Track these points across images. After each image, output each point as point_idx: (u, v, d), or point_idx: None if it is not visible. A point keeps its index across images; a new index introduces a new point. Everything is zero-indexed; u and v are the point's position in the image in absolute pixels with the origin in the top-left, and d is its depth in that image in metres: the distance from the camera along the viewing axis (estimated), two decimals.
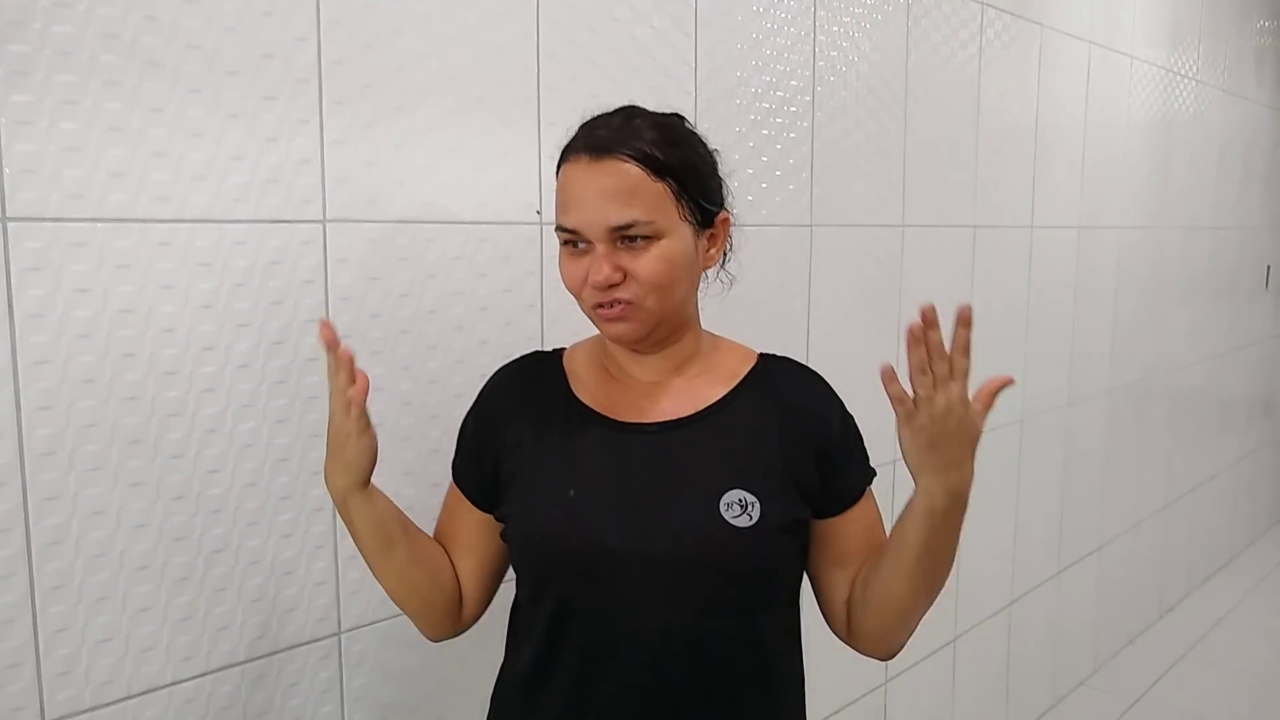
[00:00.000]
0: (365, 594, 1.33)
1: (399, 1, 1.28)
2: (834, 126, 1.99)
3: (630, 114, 1.05)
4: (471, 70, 1.36)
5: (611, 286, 0.99)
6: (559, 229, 1.03)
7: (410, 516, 1.36)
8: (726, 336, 1.17)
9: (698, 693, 1.02)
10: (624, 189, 0.98)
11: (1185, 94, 3.57)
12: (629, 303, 1.00)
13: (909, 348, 0.92)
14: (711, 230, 1.07)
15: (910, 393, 0.93)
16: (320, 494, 1.27)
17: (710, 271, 1.13)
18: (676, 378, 1.10)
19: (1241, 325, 4.32)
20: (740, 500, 1.00)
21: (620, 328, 1.02)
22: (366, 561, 1.10)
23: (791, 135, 1.89)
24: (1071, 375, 3.00)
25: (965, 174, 2.42)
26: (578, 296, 1.04)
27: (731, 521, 0.99)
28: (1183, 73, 3.52)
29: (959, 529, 0.99)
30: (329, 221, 1.24)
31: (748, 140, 1.80)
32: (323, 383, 1.24)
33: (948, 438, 0.93)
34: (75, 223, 1.04)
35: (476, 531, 1.14)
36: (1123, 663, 3.43)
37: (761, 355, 1.14)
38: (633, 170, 0.99)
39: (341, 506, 1.07)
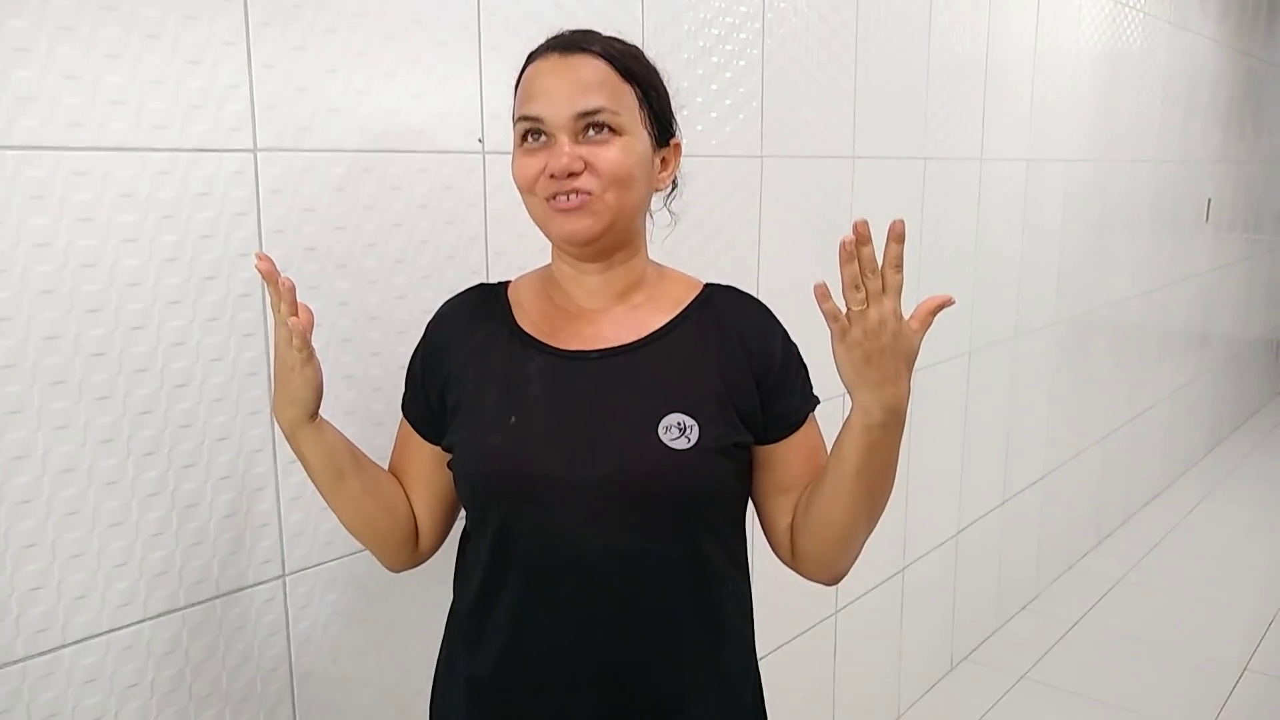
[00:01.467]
0: (310, 535, 1.30)
1: None
2: (783, 53, 1.95)
3: (593, 32, 1.06)
4: None
5: (571, 176, 0.98)
6: (520, 119, 1.02)
7: None
8: (673, 268, 1.15)
9: (638, 613, 1.03)
10: (593, 81, 0.99)
11: (1133, 26, 3.57)
12: (588, 194, 0.99)
13: (841, 263, 0.91)
14: (664, 153, 1.08)
15: (844, 309, 0.93)
16: (259, 434, 1.23)
17: (656, 202, 1.13)
18: (620, 305, 1.09)
19: (1183, 258, 4.39)
20: (679, 424, 1.00)
21: (576, 221, 1.00)
22: (321, 493, 1.10)
23: (741, 63, 1.85)
24: (1019, 308, 3.03)
25: (916, 106, 2.40)
26: (529, 193, 1.03)
27: (669, 444, 0.99)
28: (1131, 4, 3.52)
29: (896, 447, 1.00)
30: (260, 150, 1.18)
31: (696, 68, 1.75)
32: (257, 319, 1.20)
33: (882, 353, 0.93)
34: None
35: (427, 463, 1.14)
36: (1063, 587, 3.53)
37: (707, 285, 1.13)
38: (602, 66, 1.01)
39: (291, 439, 1.06)
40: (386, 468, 1.17)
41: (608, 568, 1.01)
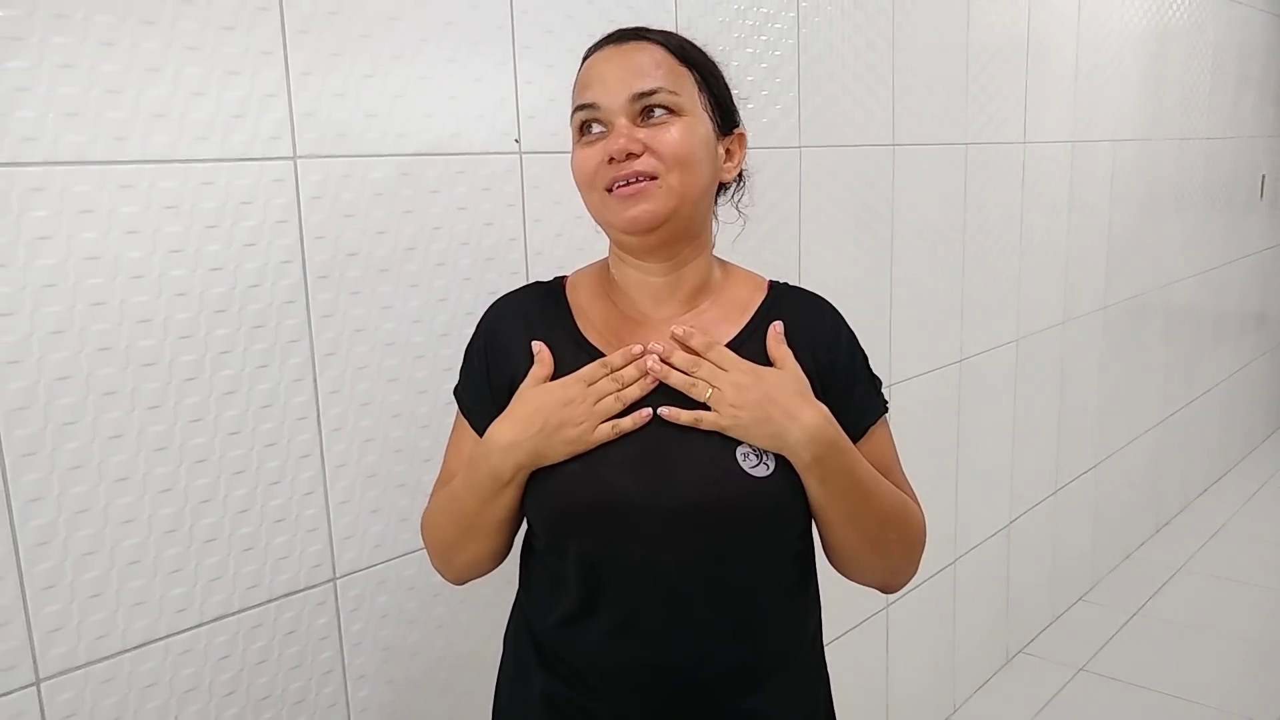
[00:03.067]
0: (359, 539, 1.31)
1: None
2: (819, 42, 1.93)
3: (646, 28, 1.04)
4: None
5: (630, 158, 0.95)
6: (576, 110, 1.00)
7: (400, 458, 1.34)
8: (736, 264, 1.13)
9: (719, 635, 1.00)
10: (650, 63, 0.98)
11: (1180, 0, 3.48)
12: (650, 176, 0.96)
13: (665, 380, 0.97)
14: (729, 143, 1.05)
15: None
16: (306, 439, 1.24)
17: (725, 197, 1.11)
18: (687, 313, 1.05)
19: (1237, 237, 4.28)
20: (757, 449, 0.96)
21: (639, 207, 0.96)
22: (460, 527, 1.04)
23: (776, 53, 1.83)
24: (1066, 293, 2.97)
25: (956, 90, 2.36)
26: (589, 186, 0.99)
27: (750, 471, 0.96)
28: None
29: (849, 468, 0.98)
30: (299, 158, 1.19)
31: (731, 59, 1.74)
32: (301, 325, 1.21)
33: (764, 405, 0.95)
34: (30, 167, 1.00)
35: None
36: (1121, 577, 3.46)
37: (772, 285, 1.10)
38: (658, 51, 0.99)
39: (502, 480, 0.99)
40: (440, 472, 1.13)
41: (689, 593, 0.98)
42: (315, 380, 1.24)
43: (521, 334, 1.05)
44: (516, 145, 1.41)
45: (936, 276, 2.37)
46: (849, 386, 1.06)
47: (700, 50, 1.04)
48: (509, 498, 1.00)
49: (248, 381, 1.18)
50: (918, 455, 2.32)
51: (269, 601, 1.23)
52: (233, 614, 1.20)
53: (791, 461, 0.96)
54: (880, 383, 1.10)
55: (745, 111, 1.80)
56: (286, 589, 1.25)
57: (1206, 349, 4.12)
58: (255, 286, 1.17)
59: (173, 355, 1.11)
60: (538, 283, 1.13)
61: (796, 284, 1.13)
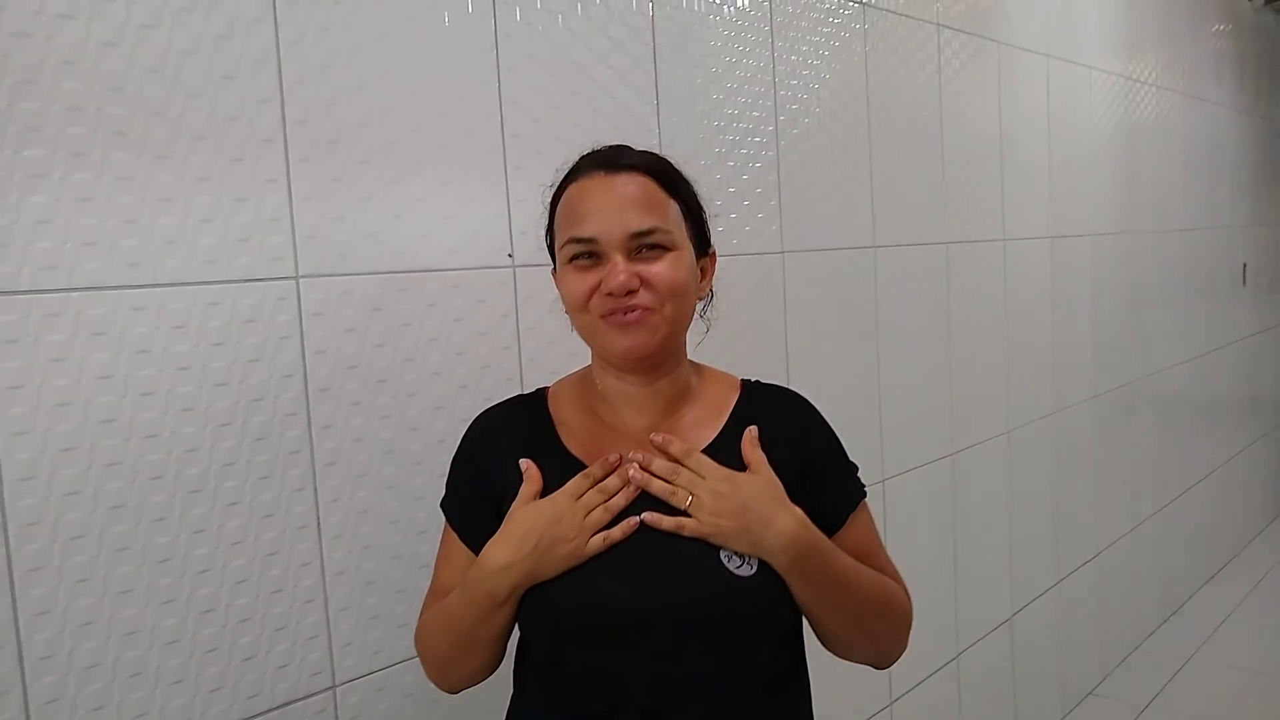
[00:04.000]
0: (358, 645, 1.33)
1: (359, 59, 1.30)
2: (798, 153, 2.02)
3: (627, 147, 1.10)
4: (435, 120, 1.38)
5: (629, 294, 1.00)
6: (571, 241, 1.03)
7: (399, 564, 1.37)
8: (708, 365, 1.18)
9: None
10: (643, 198, 1.03)
11: (1146, 100, 3.63)
12: (647, 309, 1.01)
13: (642, 487, 1.02)
14: (703, 263, 1.11)
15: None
16: (307, 548, 1.27)
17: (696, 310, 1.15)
18: (667, 420, 1.09)
19: (1222, 323, 4.35)
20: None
21: (635, 335, 1.02)
22: (456, 643, 1.07)
23: (757, 165, 1.92)
24: (1055, 384, 3.02)
25: (933, 192, 2.46)
26: (581, 311, 1.04)
27: (735, 572, 0.99)
28: (1143, 79, 3.59)
29: (827, 568, 1.03)
30: (301, 277, 1.26)
31: (714, 173, 1.83)
32: (303, 436, 1.25)
33: (741, 514, 0.99)
34: (49, 294, 1.06)
35: None
36: (1130, 669, 3.42)
37: (744, 384, 1.16)
38: (648, 182, 1.04)
39: (499, 600, 1.02)
40: (431, 583, 1.15)
41: (683, 693, 1.00)
42: (316, 489, 1.27)
43: (504, 449, 1.09)
44: (510, 259, 1.47)
45: (924, 372, 2.43)
46: (827, 476, 1.11)
47: (682, 176, 1.09)
48: (505, 615, 1.03)
49: (250, 492, 1.22)
50: (914, 550, 2.33)
51: (270, 710, 1.24)
52: None
53: (772, 565, 1.00)
54: (856, 468, 1.15)
55: (729, 221, 1.88)
56: (287, 697, 1.26)
57: (1201, 435, 4.15)
58: (258, 400, 1.22)
59: (178, 469, 1.15)
60: (519, 396, 1.18)
61: (768, 381, 1.18)
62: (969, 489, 2.58)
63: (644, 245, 1.02)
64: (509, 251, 1.47)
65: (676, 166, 1.10)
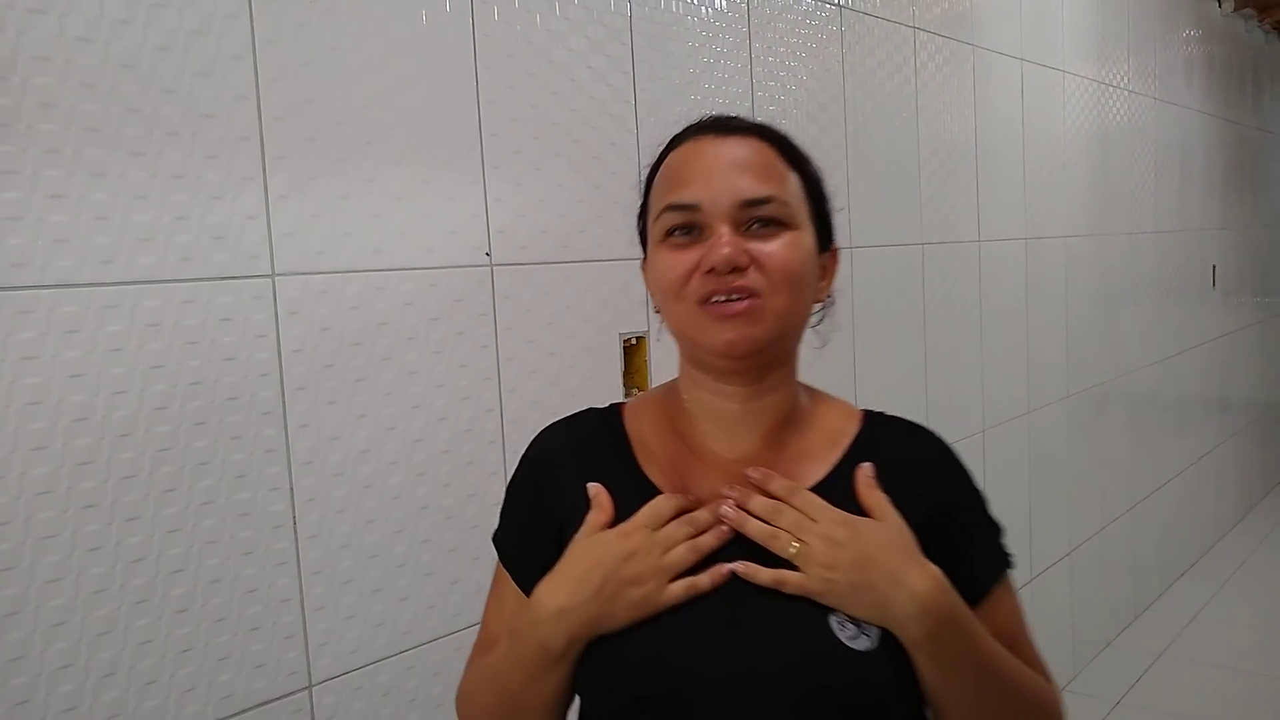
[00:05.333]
0: (334, 645, 1.32)
1: (337, 56, 1.30)
2: None
3: (742, 117, 0.92)
4: (413, 119, 1.38)
5: (735, 271, 0.81)
6: (669, 209, 0.85)
7: (375, 563, 1.36)
8: (825, 391, 0.99)
9: None
10: (760, 163, 0.85)
11: (1119, 104, 3.67)
12: (755, 294, 0.82)
13: (739, 528, 0.82)
14: (824, 260, 0.92)
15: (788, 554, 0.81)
16: (282, 548, 1.26)
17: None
18: (768, 450, 0.88)
19: (1193, 325, 4.41)
20: (854, 616, 0.80)
21: (741, 328, 0.82)
22: (502, 709, 0.87)
23: None
24: (1030, 384, 3.05)
25: (909, 193, 2.47)
26: (676, 296, 0.84)
27: (847, 642, 0.79)
28: (1115, 84, 3.63)
29: (972, 646, 0.82)
30: (277, 275, 1.25)
31: None
32: (279, 435, 1.25)
33: (862, 568, 0.79)
34: (19, 291, 1.04)
35: None
36: (1102, 665, 3.46)
37: (866, 414, 0.95)
38: (766, 148, 0.87)
39: (554, 655, 0.83)
40: (479, 634, 0.96)
41: None
42: (292, 489, 1.27)
43: (570, 472, 0.90)
44: (487, 258, 1.47)
45: (900, 372, 2.44)
46: (965, 538, 0.89)
47: (805, 153, 0.91)
48: (560, 674, 0.84)
49: (225, 491, 1.21)
50: None
51: (244, 711, 1.23)
52: None
53: (898, 636, 0.79)
54: (1002, 530, 0.93)
55: None
56: (262, 698, 1.25)
57: (1172, 435, 4.20)
58: (233, 399, 1.21)
59: (152, 468, 1.15)
60: (590, 410, 0.98)
61: (909, 419, 0.97)
62: None
63: (757, 219, 0.83)
64: (486, 250, 1.47)
65: (799, 143, 0.92)
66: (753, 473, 0.85)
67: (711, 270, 0.82)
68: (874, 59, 2.32)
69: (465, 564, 1.46)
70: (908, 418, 0.96)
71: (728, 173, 0.84)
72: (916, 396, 2.50)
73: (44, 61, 1.05)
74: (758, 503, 0.83)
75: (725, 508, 0.83)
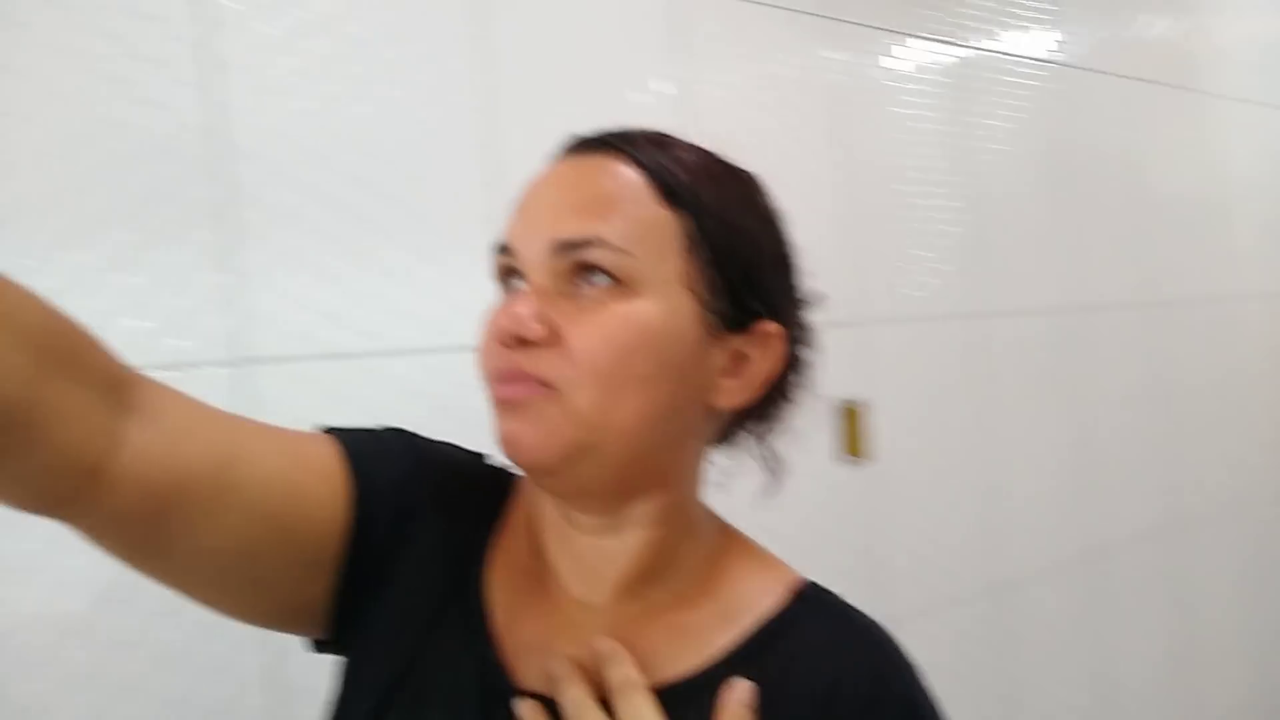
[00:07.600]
0: None
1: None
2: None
3: (646, 130, 0.67)
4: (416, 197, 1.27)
5: (525, 345, 0.59)
6: (495, 250, 0.65)
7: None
8: (758, 544, 0.71)
9: None
10: (598, 195, 0.61)
11: None
12: (544, 384, 0.59)
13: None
14: (739, 343, 0.64)
15: None
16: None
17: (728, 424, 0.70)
18: (629, 607, 0.65)
19: None
20: None
21: (514, 422, 0.60)
22: None
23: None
24: None
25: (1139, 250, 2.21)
26: (480, 367, 0.64)
27: None
28: None
29: None
30: (252, 363, 1.15)
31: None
32: None
33: None
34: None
35: (274, 499, 0.62)
36: None
37: (800, 593, 0.67)
38: (627, 175, 0.62)
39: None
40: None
41: None
42: None
43: (440, 521, 0.69)
44: None
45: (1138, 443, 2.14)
46: None
47: (719, 184, 0.64)
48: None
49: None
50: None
51: None
52: None
53: None
54: None
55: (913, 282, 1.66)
56: None
57: None
58: None
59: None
60: (502, 470, 0.73)
61: (842, 599, 0.68)
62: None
63: (580, 266, 0.59)
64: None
65: (724, 172, 0.66)
66: (601, 644, 0.61)
67: (500, 340, 0.60)
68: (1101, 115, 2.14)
69: None
70: (858, 611, 0.66)
71: (552, 205, 0.62)
72: (1154, 470, 2.08)
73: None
74: (570, 696, 0.59)
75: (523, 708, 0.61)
